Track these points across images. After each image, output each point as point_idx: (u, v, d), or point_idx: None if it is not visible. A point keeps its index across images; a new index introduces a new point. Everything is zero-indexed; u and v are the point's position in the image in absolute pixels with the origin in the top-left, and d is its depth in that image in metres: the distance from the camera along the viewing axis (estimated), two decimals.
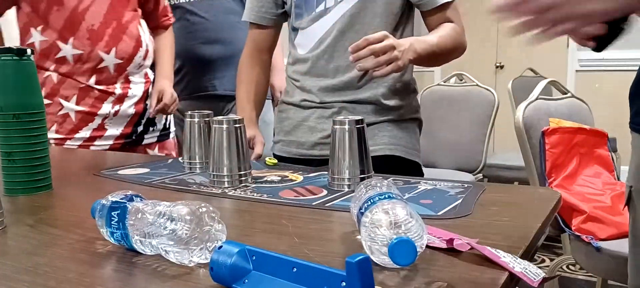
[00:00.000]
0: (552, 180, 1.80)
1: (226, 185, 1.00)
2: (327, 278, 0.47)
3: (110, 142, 1.70)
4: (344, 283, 0.45)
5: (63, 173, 1.17)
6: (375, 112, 1.30)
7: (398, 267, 0.56)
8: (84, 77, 1.63)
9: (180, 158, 1.24)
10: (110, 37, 1.63)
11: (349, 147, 0.96)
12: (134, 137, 1.76)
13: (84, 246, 0.69)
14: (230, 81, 1.79)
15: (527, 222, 0.74)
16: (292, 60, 1.39)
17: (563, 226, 1.75)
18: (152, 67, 1.83)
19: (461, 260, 0.60)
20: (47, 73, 1.64)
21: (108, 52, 1.63)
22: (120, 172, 1.17)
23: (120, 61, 1.66)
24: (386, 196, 0.64)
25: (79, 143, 1.66)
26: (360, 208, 0.65)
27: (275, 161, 1.24)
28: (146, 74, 1.79)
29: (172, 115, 1.91)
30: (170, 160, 1.31)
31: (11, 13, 1.72)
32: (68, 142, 1.65)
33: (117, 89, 1.68)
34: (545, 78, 2.14)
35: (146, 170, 1.18)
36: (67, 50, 1.60)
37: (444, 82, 3.22)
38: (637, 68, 1.18)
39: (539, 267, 0.58)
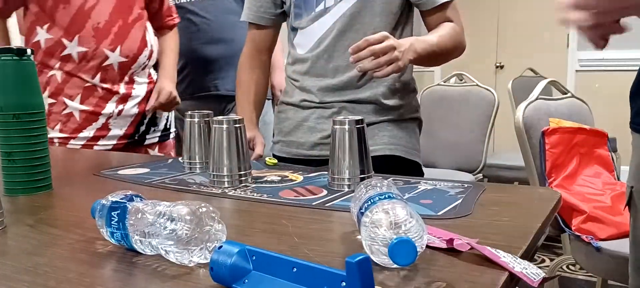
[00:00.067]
0: (552, 180, 1.80)
1: (226, 185, 1.00)
2: (327, 278, 0.47)
3: (114, 142, 1.71)
4: (344, 283, 0.45)
5: (63, 173, 1.17)
6: (375, 112, 1.30)
7: (398, 267, 0.56)
8: (89, 74, 1.64)
9: (180, 158, 1.24)
10: (116, 35, 1.64)
11: (349, 147, 0.96)
12: (136, 137, 1.76)
13: (84, 246, 0.69)
14: (232, 81, 1.80)
15: (527, 222, 0.74)
16: (291, 60, 1.39)
17: (563, 226, 1.75)
18: (156, 67, 1.84)
19: (461, 260, 0.60)
20: (51, 72, 1.64)
21: (113, 50, 1.64)
22: (120, 172, 1.17)
23: (125, 59, 1.67)
24: (386, 196, 0.64)
25: (82, 142, 1.67)
26: (361, 208, 0.65)
27: (275, 161, 1.24)
28: (149, 74, 1.79)
29: (172, 115, 1.92)
30: (170, 160, 1.31)
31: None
32: (72, 141, 1.66)
33: (121, 88, 1.69)
34: (545, 78, 2.14)
35: (146, 170, 1.18)
36: (72, 47, 1.61)
37: (444, 82, 3.23)
38: (637, 68, 1.18)
39: (539, 267, 0.58)
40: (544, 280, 0.55)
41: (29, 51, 0.97)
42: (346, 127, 0.96)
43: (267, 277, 0.52)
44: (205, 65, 2.09)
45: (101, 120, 1.68)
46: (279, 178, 1.07)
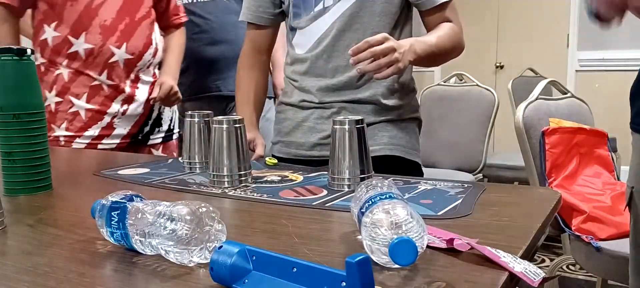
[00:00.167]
0: (552, 180, 1.80)
1: (226, 185, 1.00)
2: (327, 278, 0.47)
3: (117, 141, 1.72)
4: (344, 283, 0.45)
5: (63, 173, 1.17)
6: (375, 112, 1.30)
7: (398, 266, 0.56)
8: (95, 71, 1.65)
9: (180, 158, 1.24)
10: (122, 33, 1.66)
11: (349, 147, 0.96)
12: (140, 137, 1.78)
13: (84, 246, 0.69)
14: (234, 82, 1.80)
15: (527, 222, 0.74)
16: (290, 60, 1.39)
17: (563, 226, 1.75)
18: (160, 67, 1.85)
19: (461, 260, 0.60)
20: (58, 71, 1.66)
21: (119, 47, 1.65)
22: (120, 172, 1.17)
23: (131, 57, 1.68)
24: (387, 196, 0.64)
25: (87, 141, 1.68)
26: (361, 208, 0.65)
27: (275, 161, 1.24)
28: (154, 74, 1.81)
29: (176, 116, 1.92)
30: (170, 160, 1.31)
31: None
32: (77, 140, 1.68)
33: (127, 86, 1.70)
34: (545, 78, 2.14)
35: (146, 170, 1.18)
36: (79, 45, 1.62)
37: (444, 82, 3.23)
38: (637, 68, 1.18)
39: (539, 267, 0.58)
40: (544, 280, 0.55)
41: (29, 51, 0.97)
42: (346, 127, 0.96)
43: (267, 277, 0.52)
44: (207, 66, 2.09)
45: (106, 119, 1.69)
46: (279, 178, 1.07)
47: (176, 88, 1.79)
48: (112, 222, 0.66)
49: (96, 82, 1.66)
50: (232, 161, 1.00)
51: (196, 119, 1.17)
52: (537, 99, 1.92)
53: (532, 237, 0.68)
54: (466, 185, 0.97)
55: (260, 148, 1.39)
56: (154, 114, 1.80)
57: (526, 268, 0.56)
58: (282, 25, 1.45)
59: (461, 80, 3.16)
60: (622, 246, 1.53)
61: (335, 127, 0.97)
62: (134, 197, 0.69)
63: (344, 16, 1.27)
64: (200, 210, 0.60)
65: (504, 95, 3.39)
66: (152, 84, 1.78)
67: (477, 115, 2.99)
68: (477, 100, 3.02)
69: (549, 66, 4.25)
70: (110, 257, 0.65)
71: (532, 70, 3.93)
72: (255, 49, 1.45)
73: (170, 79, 1.79)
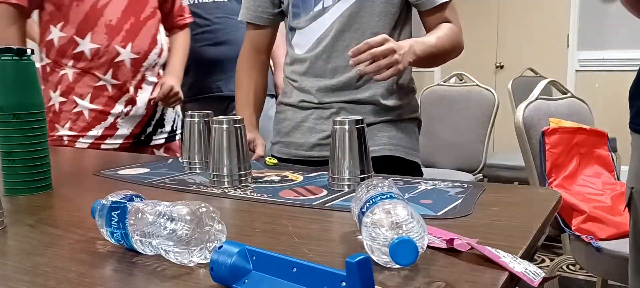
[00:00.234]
0: (552, 180, 1.80)
1: (226, 185, 1.00)
2: (327, 278, 0.47)
3: (120, 141, 1.73)
4: (344, 283, 0.45)
5: (63, 173, 1.17)
6: (374, 113, 1.30)
7: (398, 266, 0.56)
8: (101, 71, 1.66)
9: (180, 158, 1.24)
10: (127, 33, 1.66)
11: (349, 147, 0.96)
12: (142, 138, 1.78)
13: (84, 246, 0.69)
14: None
15: (527, 222, 0.74)
16: (289, 61, 1.39)
17: (563, 226, 1.75)
18: (164, 67, 1.85)
19: (461, 260, 0.60)
20: (63, 71, 1.66)
21: (124, 47, 1.66)
22: (120, 172, 1.17)
23: (136, 56, 1.69)
24: (387, 196, 0.64)
25: (90, 141, 1.69)
26: (362, 208, 0.65)
27: (275, 161, 1.24)
28: (159, 74, 1.81)
29: (179, 117, 1.93)
30: (170, 160, 1.31)
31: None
32: (80, 139, 1.68)
33: (132, 87, 1.71)
34: (545, 78, 2.14)
35: (146, 170, 1.18)
36: (85, 45, 1.63)
37: (444, 82, 3.22)
38: (637, 68, 1.18)
39: (539, 267, 0.58)
40: (544, 280, 0.55)
41: (28, 51, 0.97)
42: (346, 127, 0.96)
43: (267, 277, 0.52)
44: (209, 67, 2.10)
45: (110, 120, 1.70)
46: (279, 178, 1.07)
47: (177, 88, 1.79)
48: (112, 222, 0.66)
49: (101, 83, 1.67)
50: (232, 161, 1.00)
51: (196, 119, 1.17)
52: (537, 99, 1.92)
53: (532, 237, 0.68)
54: (466, 185, 0.97)
55: (260, 148, 1.39)
56: (157, 115, 1.81)
57: (526, 268, 0.56)
58: (282, 24, 1.45)
59: (461, 80, 3.16)
60: (622, 246, 1.53)
61: (335, 127, 0.97)
62: (134, 197, 0.69)
63: (343, 16, 1.27)
64: (200, 210, 0.60)
65: (504, 95, 3.39)
66: (156, 85, 1.79)
67: (477, 115, 2.99)
68: (477, 100, 3.02)
69: (549, 66, 4.25)
70: (110, 257, 0.65)
71: (532, 70, 3.93)
72: (254, 49, 1.45)
73: (171, 79, 1.79)
